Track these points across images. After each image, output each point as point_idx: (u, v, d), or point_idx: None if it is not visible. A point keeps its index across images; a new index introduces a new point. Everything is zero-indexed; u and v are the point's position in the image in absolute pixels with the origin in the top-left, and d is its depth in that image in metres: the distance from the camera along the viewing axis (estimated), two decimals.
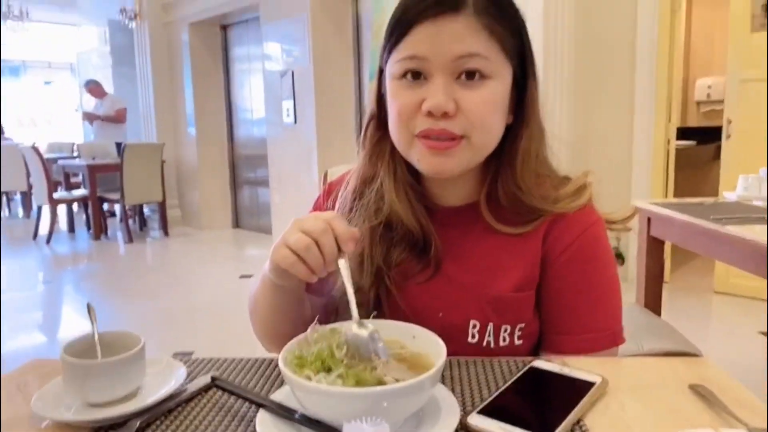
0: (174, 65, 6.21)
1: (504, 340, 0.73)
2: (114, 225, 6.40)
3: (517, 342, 0.73)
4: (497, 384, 0.63)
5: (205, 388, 0.63)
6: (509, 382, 0.61)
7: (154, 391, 0.60)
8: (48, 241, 5.54)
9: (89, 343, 0.62)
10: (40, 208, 5.93)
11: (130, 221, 5.98)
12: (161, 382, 0.62)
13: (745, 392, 0.61)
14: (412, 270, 0.76)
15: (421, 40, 0.67)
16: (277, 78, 4.95)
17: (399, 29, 0.68)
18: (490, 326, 0.72)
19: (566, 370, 0.63)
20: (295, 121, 4.82)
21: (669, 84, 3.51)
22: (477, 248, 0.76)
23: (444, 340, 0.66)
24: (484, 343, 0.73)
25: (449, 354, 0.66)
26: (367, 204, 0.77)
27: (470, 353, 0.71)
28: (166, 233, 5.89)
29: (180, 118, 6.26)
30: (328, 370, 0.53)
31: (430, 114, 0.67)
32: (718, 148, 3.52)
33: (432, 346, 0.57)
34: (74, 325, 3.51)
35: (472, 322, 0.73)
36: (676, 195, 3.69)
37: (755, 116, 3.28)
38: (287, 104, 4.85)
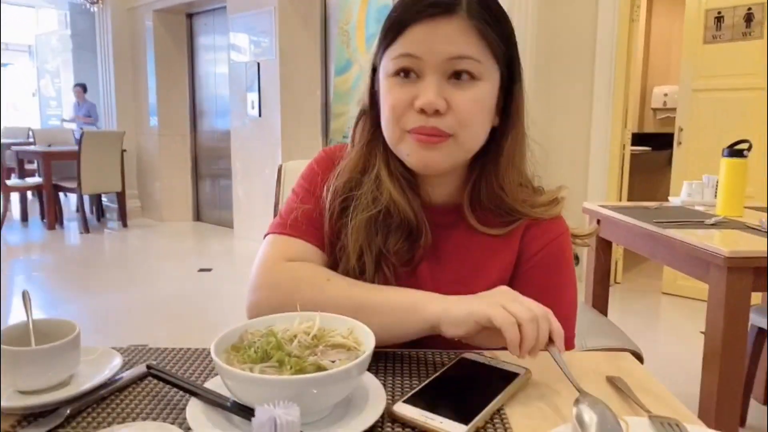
0: (137, 52, 6.08)
1: None
2: (70, 215, 6.22)
3: None
4: (428, 374, 0.65)
5: (141, 377, 0.64)
6: (438, 373, 0.64)
7: (87, 380, 0.60)
8: None
9: (24, 330, 0.62)
10: None
11: (87, 211, 5.83)
12: (95, 370, 0.62)
13: (656, 384, 0.65)
14: (403, 258, 0.78)
15: (415, 39, 0.69)
16: (242, 69, 4.90)
17: (395, 29, 0.71)
18: None
19: (494, 362, 0.66)
20: (260, 114, 4.79)
21: (626, 91, 3.63)
22: (458, 247, 0.80)
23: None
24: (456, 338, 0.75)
25: (429, 345, 0.72)
26: (366, 193, 0.77)
27: (444, 346, 0.72)
28: (124, 224, 5.77)
29: (142, 106, 6.13)
30: (266, 359, 0.55)
31: (422, 111, 0.69)
32: (672, 154, 3.66)
33: (365, 338, 0.59)
34: (23, 316, 3.41)
35: None
36: (630, 199, 3.82)
37: (705, 125, 3.42)
38: (252, 96, 4.81)
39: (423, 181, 0.80)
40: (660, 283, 3.62)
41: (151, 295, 3.65)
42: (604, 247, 2.09)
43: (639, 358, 1.58)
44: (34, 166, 6.33)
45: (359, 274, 0.77)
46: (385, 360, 0.70)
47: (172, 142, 6.02)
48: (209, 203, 6.11)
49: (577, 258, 3.88)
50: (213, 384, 0.59)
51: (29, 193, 6.15)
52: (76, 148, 5.36)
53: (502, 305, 0.62)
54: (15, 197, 6.08)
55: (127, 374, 0.64)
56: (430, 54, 0.69)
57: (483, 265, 0.79)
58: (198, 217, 6.21)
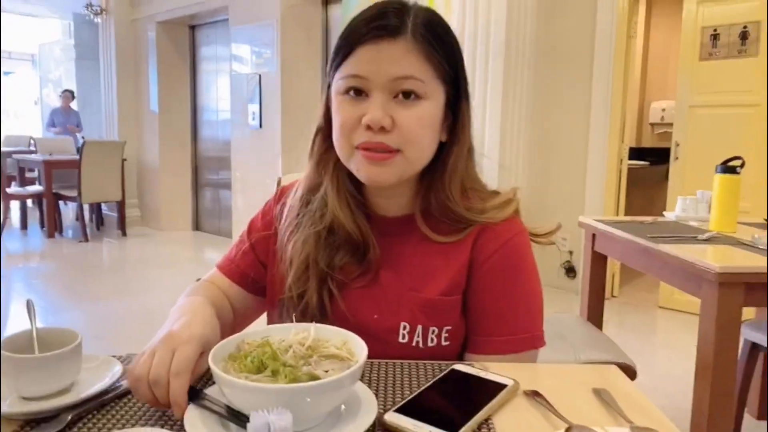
0: (139, 63, 6.13)
1: (432, 341, 0.78)
2: (70, 223, 6.23)
3: (444, 343, 0.79)
4: (419, 385, 0.67)
5: None
6: (429, 383, 0.66)
7: (88, 387, 0.62)
8: None
9: (27, 339, 0.64)
10: None
11: (87, 220, 5.84)
12: (96, 377, 0.64)
13: (640, 396, 0.67)
14: (352, 273, 0.82)
15: (363, 60, 0.73)
16: (243, 81, 4.94)
17: (345, 49, 0.75)
18: (419, 328, 0.78)
19: (483, 374, 0.68)
20: (261, 125, 4.82)
21: (623, 106, 3.67)
22: (412, 256, 0.82)
23: (378, 340, 0.75)
24: (413, 343, 0.78)
25: (383, 353, 0.75)
26: (313, 210, 0.82)
27: (401, 352, 0.77)
28: (124, 233, 5.79)
29: (143, 116, 6.17)
30: (262, 369, 0.57)
31: (369, 128, 0.73)
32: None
33: (357, 349, 0.61)
34: (22, 324, 3.42)
35: (402, 324, 0.78)
36: (627, 213, 3.84)
37: (701, 140, 3.45)
38: (253, 108, 4.85)
39: (374, 194, 0.83)
40: (656, 297, 3.63)
41: (150, 303, 3.66)
42: (599, 262, 2.10)
43: (632, 371, 1.60)
44: (35, 174, 6.36)
45: (297, 296, 0.81)
46: (378, 370, 0.72)
47: (173, 151, 6.06)
48: (209, 213, 6.13)
49: (573, 271, 3.91)
50: (211, 391, 0.61)
51: (29, 201, 6.18)
52: (77, 157, 5.39)
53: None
54: (15, 205, 6.10)
55: (127, 382, 0.65)
56: (376, 74, 0.73)
57: (435, 272, 0.80)
58: (197, 226, 6.23)
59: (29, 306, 0.68)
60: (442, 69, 0.75)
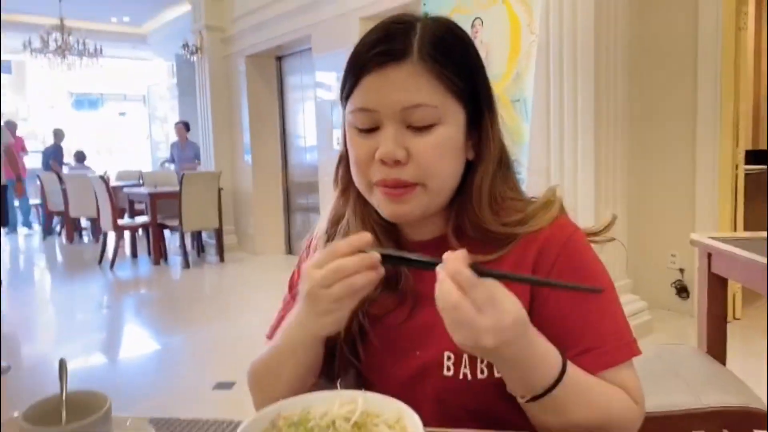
0: (232, 95, 6.44)
1: (482, 372, 0.69)
2: (175, 250, 6.60)
3: (497, 374, 0.67)
4: None
5: None
6: None
7: None
8: (111, 266, 5.78)
9: (55, 405, 0.59)
10: (106, 234, 6.21)
11: (189, 247, 6.15)
12: None
13: None
14: (388, 307, 0.74)
15: (369, 91, 0.68)
16: (327, 107, 5.02)
17: (350, 79, 0.69)
18: (465, 357, 0.69)
19: None
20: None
21: (736, 105, 3.29)
22: None
23: (423, 377, 0.71)
24: (461, 376, 0.69)
25: (428, 393, 0.70)
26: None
27: (448, 388, 0.69)
28: (221, 259, 6.03)
29: (237, 145, 6.45)
30: None
31: (383, 162, 0.68)
32: None
33: (413, 427, 0.50)
34: (131, 349, 3.65)
35: (446, 354, 0.70)
36: (747, 227, 3.41)
37: None
38: (337, 133, 4.90)
39: (402, 225, 0.77)
40: None
41: (244, 329, 3.73)
42: (717, 285, 1.84)
43: (764, 418, 1.35)
44: (143, 206, 6.81)
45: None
46: None
47: (265, 178, 6.26)
48: (300, 236, 6.25)
49: (686, 291, 3.52)
50: None
51: (139, 231, 6.61)
52: (178, 188, 5.70)
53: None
54: (126, 235, 6.55)
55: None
56: (384, 105, 0.67)
57: None
58: (289, 250, 6.37)
59: (62, 367, 0.63)
60: (456, 86, 0.68)
